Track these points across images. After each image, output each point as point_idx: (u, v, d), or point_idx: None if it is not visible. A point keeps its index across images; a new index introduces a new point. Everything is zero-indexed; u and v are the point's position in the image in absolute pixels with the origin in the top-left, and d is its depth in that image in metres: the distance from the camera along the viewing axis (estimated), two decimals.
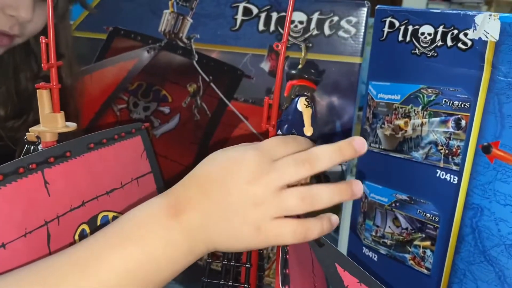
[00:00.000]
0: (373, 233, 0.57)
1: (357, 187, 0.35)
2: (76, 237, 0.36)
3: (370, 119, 0.56)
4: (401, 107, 0.52)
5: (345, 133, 0.62)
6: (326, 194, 0.34)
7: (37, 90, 0.35)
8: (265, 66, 0.62)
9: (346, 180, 0.36)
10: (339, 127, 0.62)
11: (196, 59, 0.65)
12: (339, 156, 0.34)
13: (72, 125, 0.37)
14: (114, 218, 0.39)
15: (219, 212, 0.32)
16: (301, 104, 0.36)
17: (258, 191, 0.32)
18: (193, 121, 0.66)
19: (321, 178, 0.65)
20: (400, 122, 0.52)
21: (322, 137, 0.62)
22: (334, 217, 0.36)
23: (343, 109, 0.61)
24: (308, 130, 0.38)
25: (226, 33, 0.63)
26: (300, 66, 0.39)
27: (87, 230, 0.37)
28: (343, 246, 0.64)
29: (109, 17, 0.67)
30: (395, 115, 0.52)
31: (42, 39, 0.35)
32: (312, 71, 0.37)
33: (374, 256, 0.57)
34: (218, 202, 0.32)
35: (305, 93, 0.38)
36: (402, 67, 0.51)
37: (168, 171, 0.55)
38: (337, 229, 0.65)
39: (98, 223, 0.38)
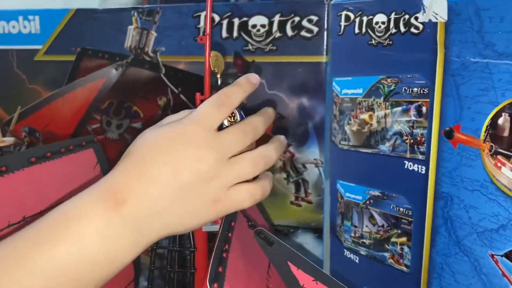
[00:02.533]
0: (352, 234, 0.55)
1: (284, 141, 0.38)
2: None
3: (337, 116, 0.55)
4: (364, 101, 0.50)
5: (318, 134, 0.60)
6: (275, 152, 0.35)
7: None
8: (232, 72, 0.62)
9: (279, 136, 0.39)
10: (311, 128, 0.61)
11: (163, 72, 0.64)
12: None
13: (9, 140, 0.36)
14: None
15: (170, 196, 0.31)
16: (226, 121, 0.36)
17: (209, 167, 0.32)
18: None
19: (299, 182, 0.63)
20: (365, 116, 0.51)
21: (296, 140, 0.61)
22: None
23: (313, 109, 0.60)
24: None
25: (191, 43, 0.62)
26: (218, 76, 0.39)
27: None
28: (327, 251, 0.62)
29: (76, 39, 0.67)
30: (360, 110, 0.51)
31: None
32: (230, 81, 0.36)
33: (356, 258, 0.55)
34: (167, 186, 0.31)
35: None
36: (361, 59, 0.50)
37: None
38: (320, 234, 0.63)
39: None
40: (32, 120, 0.72)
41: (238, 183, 0.33)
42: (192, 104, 0.64)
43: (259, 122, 0.36)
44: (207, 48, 0.35)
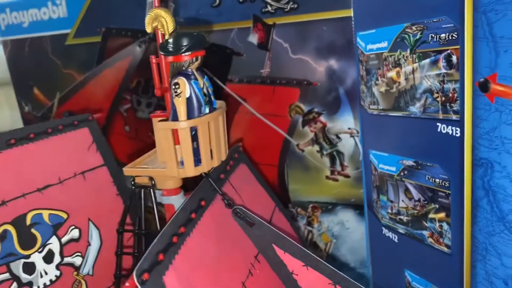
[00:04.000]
0: (389, 210, 0.49)
1: None
2: None
3: (364, 77, 0.48)
4: (390, 55, 0.43)
5: (351, 99, 0.54)
6: None
7: None
8: (253, 38, 0.57)
9: None
10: (343, 94, 0.54)
11: None
12: None
13: None
14: (51, 216, 0.37)
15: None
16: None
17: None
18: None
19: (334, 154, 0.57)
20: (392, 74, 0.43)
21: (327, 107, 0.55)
22: None
23: (344, 72, 0.53)
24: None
25: (208, 11, 0.58)
26: (166, 37, 0.32)
27: (12, 231, 0.35)
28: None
29: (100, 19, 0.66)
30: (386, 67, 0.44)
31: None
32: (183, 43, 0.29)
33: (394, 237, 0.49)
34: None
35: (182, 71, 0.31)
36: (383, 6, 0.42)
37: None
38: (362, 211, 0.57)
39: (28, 223, 0.36)
40: (70, 104, 0.73)
41: None
42: (216, 77, 0.60)
43: None
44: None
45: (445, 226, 0.41)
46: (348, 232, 0.59)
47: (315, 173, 0.58)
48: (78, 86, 0.71)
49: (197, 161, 0.31)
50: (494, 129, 0.34)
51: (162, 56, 0.32)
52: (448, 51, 0.37)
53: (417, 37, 0.39)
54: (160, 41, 0.32)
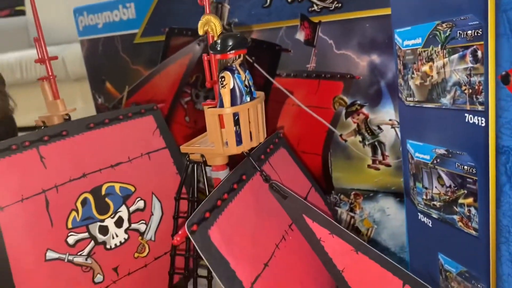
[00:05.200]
0: (424, 196, 0.52)
1: None
2: (78, 204, 0.41)
3: (402, 71, 0.51)
4: (424, 51, 0.46)
5: (392, 92, 0.57)
6: None
7: (39, 82, 0.42)
8: (300, 36, 0.62)
9: None
10: (384, 87, 0.58)
11: None
12: None
13: (71, 109, 0.42)
14: (121, 188, 0.44)
15: None
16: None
17: None
18: None
19: (375, 144, 0.61)
20: (426, 68, 0.47)
21: (369, 100, 0.59)
22: None
23: (385, 66, 0.57)
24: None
25: (259, 11, 0.64)
26: (216, 39, 0.38)
27: (91, 199, 0.42)
28: None
29: (164, 19, 0.73)
30: (421, 61, 0.47)
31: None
32: (229, 43, 0.34)
33: (429, 222, 0.52)
34: None
35: (227, 66, 0.36)
36: (417, 5, 0.46)
37: None
38: (402, 198, 0.60)
39: (103, 193, 0.43)
40: (137, 97, 0.81)
41: None
42: (265, 71, 0.66)
43: None
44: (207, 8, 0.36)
45: (473, 210, 0.44)
46: (389, 219, 0.63)
47: (357, 162, 0.62)
48: (145, 80, 0.79)
49: (239, 141, 0.37)
50: None
51: (212, 54, 0.38)
52: (474, 47, 0.40)
53: (447, 34, 0.42)
54: (210, 42, 0.38)
